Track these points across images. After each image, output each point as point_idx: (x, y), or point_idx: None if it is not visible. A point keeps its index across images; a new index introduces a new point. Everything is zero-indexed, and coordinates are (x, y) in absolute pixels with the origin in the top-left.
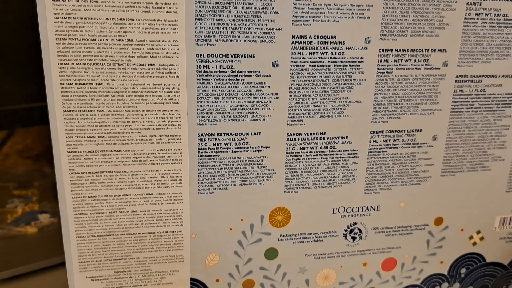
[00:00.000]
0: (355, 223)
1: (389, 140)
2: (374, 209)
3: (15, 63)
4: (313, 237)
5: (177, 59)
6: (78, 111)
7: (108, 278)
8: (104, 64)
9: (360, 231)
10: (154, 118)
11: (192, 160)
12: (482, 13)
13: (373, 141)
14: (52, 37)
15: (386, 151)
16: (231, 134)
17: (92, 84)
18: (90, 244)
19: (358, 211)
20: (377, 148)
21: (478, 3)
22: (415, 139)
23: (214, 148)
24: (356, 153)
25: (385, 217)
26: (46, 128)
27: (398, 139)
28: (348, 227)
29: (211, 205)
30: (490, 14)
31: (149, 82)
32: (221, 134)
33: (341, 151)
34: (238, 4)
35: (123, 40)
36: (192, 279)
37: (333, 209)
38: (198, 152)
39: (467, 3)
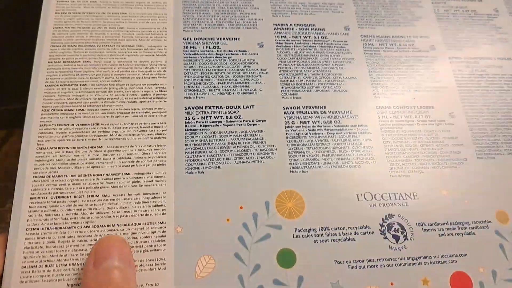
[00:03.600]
0: (392, 216)
1: (400, 116)
2: (410, 197)
3: (14, 63)
4: (340, 234)
5: (165, 41)
6: (61, 85)
7: None
8: (94, 46)
9: (402, 227)
10: (138, 92)
11: (178, 135)
12: (450, 9)
13: (382, 116)
14: (50, 26)
15: (401, 128)
16: (221, 107)
17: (79, 61)
18: (42, 239)
19: (390, 198)
20: (390, 124)
21: (443, 2)
22: (430, 115)
23: (203, 122)
24: (367, 129)
25: (428, 208)
26: None
27: (410, 116)
28: (383, 221)
29: (201, 188)
30: (459, 10)
31: (136, 60)
32: (210, 107)
33: (348, 126)
34: (221, 2)
35: (115, 28)
36: None
37: (357, 195)
38: (185, 126)
39: (432, 2)
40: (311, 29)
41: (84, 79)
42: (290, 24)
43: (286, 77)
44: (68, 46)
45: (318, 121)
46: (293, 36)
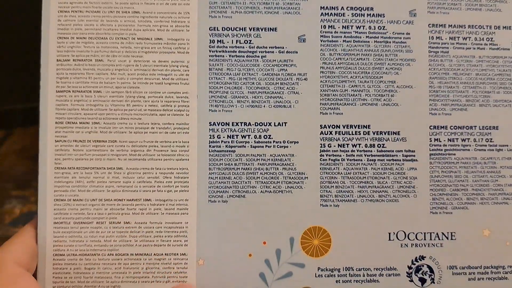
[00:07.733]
0: (423, 257)
1: (456, 139)
2: (447, 238)
3: (13, 62)
4: (364, 275)
5: (188, 33)
6: (73, 91)
7: None
8: (106, 38)
9: (431, 269)
10: (158, 102)
11: (201, 156)
12: None
13: (435, 139)
14: (54, 10)
15: (454, 154)
16: (249, 124)
17: (91, 60)
18: (68, 266)
19: (424, 239)
20: (441, 150)
21: None
22: (491, 139)
23: (228, 142)
24: (414, 155)
25: (464, 250)
26: None
27: (468, 139)
28: (413, 263)
29: (224, 219)
30: None
31: (154, 59)
32: (237, 124)
33: (393, 151)
34: None
35: (129, 12)
36: None
37: (389, 234)
38: (209, 146)
39: None
40: (367, 14)
41: (97, 83)
42: (342, 8)
43: (328, 85)
44: (77, 38)
45: (359, 145)
46: (343, 26)
